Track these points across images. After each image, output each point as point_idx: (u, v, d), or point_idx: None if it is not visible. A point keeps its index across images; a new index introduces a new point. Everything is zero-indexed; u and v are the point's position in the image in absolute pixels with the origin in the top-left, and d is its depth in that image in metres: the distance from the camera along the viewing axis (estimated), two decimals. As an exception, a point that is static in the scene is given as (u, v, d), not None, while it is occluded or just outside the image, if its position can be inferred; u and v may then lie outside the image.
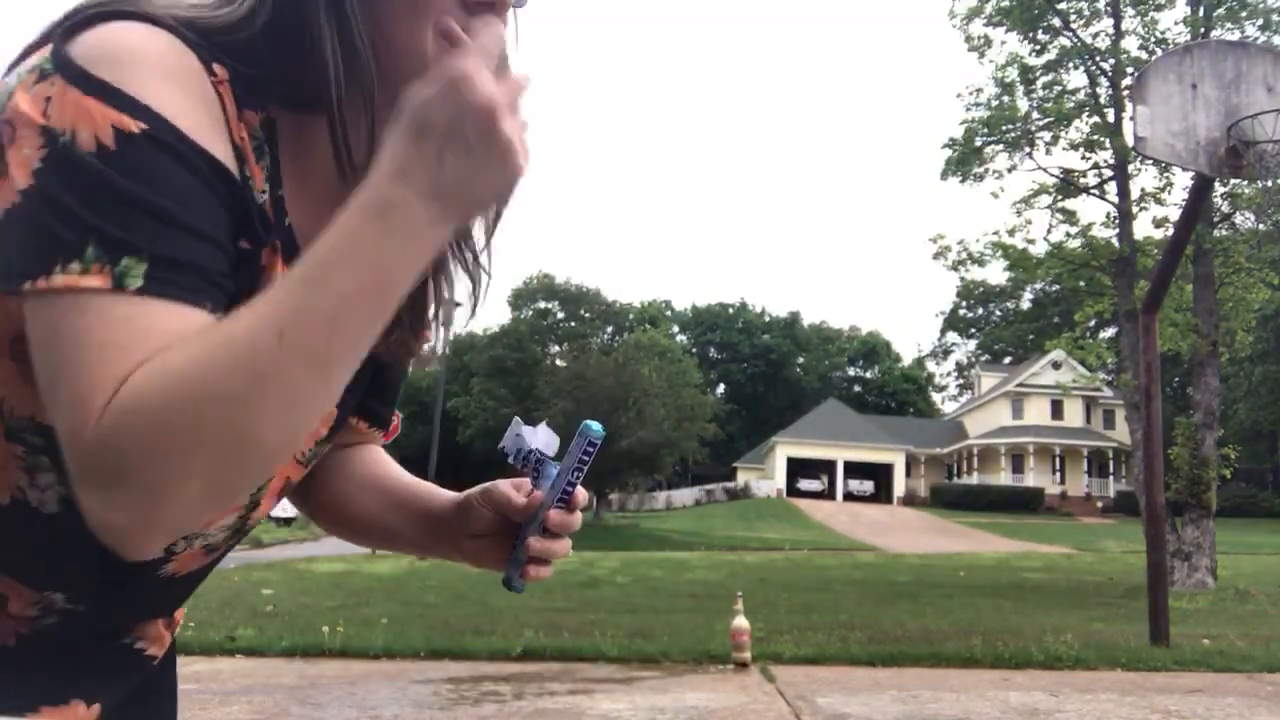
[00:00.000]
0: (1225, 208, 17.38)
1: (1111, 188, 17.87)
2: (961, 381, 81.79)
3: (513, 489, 0.89)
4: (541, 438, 0.87)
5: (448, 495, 0.97)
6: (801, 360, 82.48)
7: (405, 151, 0.62)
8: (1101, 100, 18.11)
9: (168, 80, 0.64)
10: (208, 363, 0.58)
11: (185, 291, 0.61)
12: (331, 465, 0.99)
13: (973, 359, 78.12)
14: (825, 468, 58.06)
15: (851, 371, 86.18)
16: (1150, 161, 14.84)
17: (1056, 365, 47.77)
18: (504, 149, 0.63)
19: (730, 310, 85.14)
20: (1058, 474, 53.83)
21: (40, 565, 0.75)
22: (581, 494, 0.86)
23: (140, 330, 0.59)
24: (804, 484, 57.07)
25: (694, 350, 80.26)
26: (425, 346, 0.92)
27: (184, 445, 0.58)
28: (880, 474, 58.01)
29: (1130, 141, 10.46)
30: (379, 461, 1.03)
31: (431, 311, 0.89)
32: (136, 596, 0.82)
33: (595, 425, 0.82)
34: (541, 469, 0.86)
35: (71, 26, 0.65)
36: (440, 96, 0.62)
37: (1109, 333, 34.80)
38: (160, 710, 0.95)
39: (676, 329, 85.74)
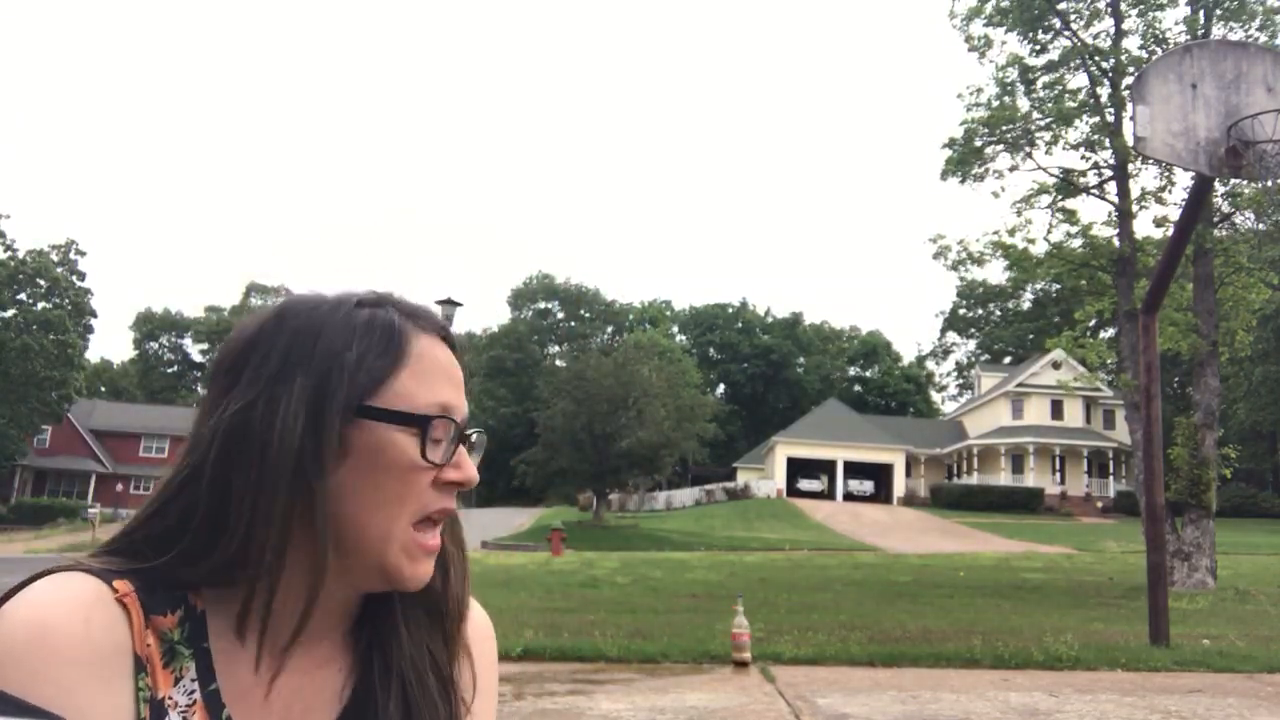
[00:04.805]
0: (1225, 208, 17.37)
1: (1111, 188, 17.85)
2: (961, 381, 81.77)
3: None
4: None
5: None
6: (802, 360, 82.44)
7: None
8: (1102, 100, 18.09)
9: (42, 662, 0.68)
10: None
11: None
12: None
13: (973, 359, 78.09)
14: (825, 468, 57.95)
15: (852, 371, 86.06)
16: (1150, 161, 14.84)
17: (1056, 365, 47.70)
18: None
19: (730, 310, 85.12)
20: (1058, 474, 53.73)
21: None
22: None
23: None
24: (804, 484, 56.98)
25: (694, 350, 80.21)
26: None
27: None
28: (880, 474, 57.90)
29: (1130, 141, 10.45)
30: None
31: None
32: None
33: None
34: None
35: (18, 586, 0.71)
36: None
37: (1109, 333, 34.80)
38: None
39: (676, 329, 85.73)
